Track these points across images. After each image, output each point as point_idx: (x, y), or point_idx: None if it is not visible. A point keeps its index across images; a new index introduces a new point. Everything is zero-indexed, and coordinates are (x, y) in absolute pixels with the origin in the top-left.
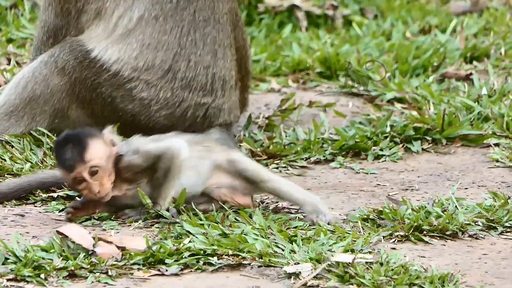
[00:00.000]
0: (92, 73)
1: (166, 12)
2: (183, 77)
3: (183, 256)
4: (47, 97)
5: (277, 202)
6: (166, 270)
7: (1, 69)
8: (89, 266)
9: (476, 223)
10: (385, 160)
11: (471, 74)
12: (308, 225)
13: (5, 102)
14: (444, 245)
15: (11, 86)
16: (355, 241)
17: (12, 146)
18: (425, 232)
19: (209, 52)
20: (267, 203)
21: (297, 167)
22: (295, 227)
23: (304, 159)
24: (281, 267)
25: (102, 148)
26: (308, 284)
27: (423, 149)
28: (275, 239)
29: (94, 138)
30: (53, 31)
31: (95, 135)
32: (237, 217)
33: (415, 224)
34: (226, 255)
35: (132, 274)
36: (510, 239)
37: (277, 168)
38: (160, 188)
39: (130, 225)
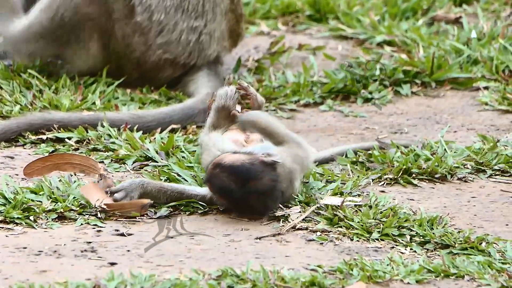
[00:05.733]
0: (121, 4)
1: None
2: None
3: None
4: (75, 24)
5: None
6: (155, 213)
7: None
8: (78, 209)
9: (465, 166)
10: (374, 103)
11: (460, 17)
12: None
13: (36, 23)
14: (433, 188)
15: (42, 7)
16: (344, 184)
17: (1, 88)
18: (414, 175)
19: None
20: None
21: (286, 110)
22: None
23: (294, 102)
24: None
25: None
26: (297, 227)
27: (412, 92)
28: None
29: None
30: None
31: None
32: None
33: (404, 167)
34: None
35: (121, 215)
36: (499, 182)
37: (266, 111)
38: None
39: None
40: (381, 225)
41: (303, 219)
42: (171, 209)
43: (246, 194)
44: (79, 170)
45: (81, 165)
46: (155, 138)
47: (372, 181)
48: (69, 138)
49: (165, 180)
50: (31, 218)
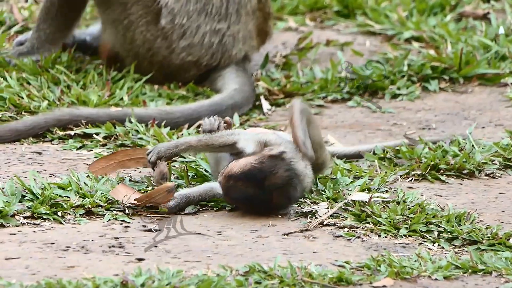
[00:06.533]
0: (141, 7)
1: None
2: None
3: None
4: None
5: None
6: (183, 210)
7: (19, 6)
8: (106, 204)
9: (493, 162)
10: (402, 99)
11: (488, 13)
12: None
13: None
14: (461, 184)
15: None
16: (371, 180)
17: (29, 84)
18: (442, 171)
19: None
20: None
21: (314, 106)
22: None
23: (321, 98)
24: (298, 206)
25: None
26: (324, 223)
27: (440, 88)
28: None
29: None
30: None
31: None
32: None
33: (432, 163)
34: None
35: (149, 211)
36: None
37: None
38: None
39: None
40: (409, 221)
41: (330, 215)
42: (198, 207)
43: (268, 193)
44: (142, 165)
45: (144, 158)
46: (182, 134)
47: (400, 177)
48: (97, 134)
49: (193, 176)
50: (59, 213)
